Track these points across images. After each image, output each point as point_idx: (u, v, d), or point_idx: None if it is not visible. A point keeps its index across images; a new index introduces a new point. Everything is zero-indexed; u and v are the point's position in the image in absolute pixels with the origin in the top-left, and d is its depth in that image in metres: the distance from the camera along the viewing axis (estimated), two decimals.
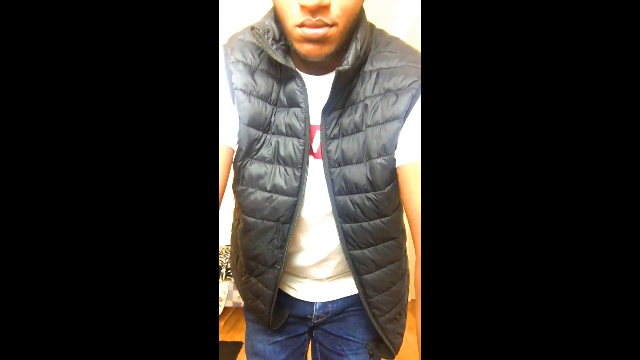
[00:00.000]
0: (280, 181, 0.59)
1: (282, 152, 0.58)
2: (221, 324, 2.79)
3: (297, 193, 0.60)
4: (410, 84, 0.57)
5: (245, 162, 0.60)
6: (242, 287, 0.65)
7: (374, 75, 0.59)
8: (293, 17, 0.50)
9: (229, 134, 0.58)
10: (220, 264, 2.67)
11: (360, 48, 0.56)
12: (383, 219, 0.62)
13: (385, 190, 0.59)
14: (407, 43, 0.65)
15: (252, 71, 0.58)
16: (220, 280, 2.63)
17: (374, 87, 0.58)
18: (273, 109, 0.58)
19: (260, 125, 0.58)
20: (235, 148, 0.59)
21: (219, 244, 3.46)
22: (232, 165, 0.61)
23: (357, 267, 0.64)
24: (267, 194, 0.60)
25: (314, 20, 0.49)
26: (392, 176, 0.59)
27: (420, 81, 0.59)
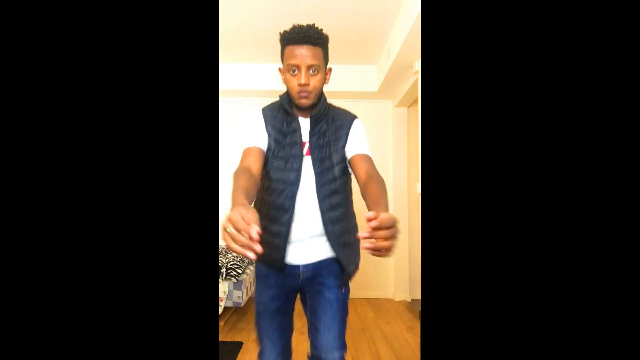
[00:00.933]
0: (289, 166, 1.18)
1: (290, 153, 1.19)
2: (221, 324, 2.79)
3: (298, 171, 1.17)
4: (346, 121, 1.25)
5: (272, 157, 1.19)
6: (264, 244, 0.94)
7: (331, 119, 1.24)
8: (295, 89, 1.16)
9: (262, 143, 1.19)
10: (220, 264, 2.67)
11: (322, 104, 1.22)
12: (340, 192, 1.21)
13: (340, 175, 1.21)
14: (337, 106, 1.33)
15: (274, 117, 1.23)
16: (220, 280, 2.63)
17: (330, 124, 1.23)
18: (285, 132, 1.21)
19: (279, 140, 1.20)
20: (266, 150, 1.20)
21: (219, 244, 3.46)
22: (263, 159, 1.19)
23: (324, 217, 1.18)
24: (284, 171, 1.18)
25: (303, 89, 1.15)
26: (344, 167, 1.22)
27: (351, 121, 1.27)
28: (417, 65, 2.76)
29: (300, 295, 1.30)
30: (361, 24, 2.75)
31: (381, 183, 1.08)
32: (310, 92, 1.14)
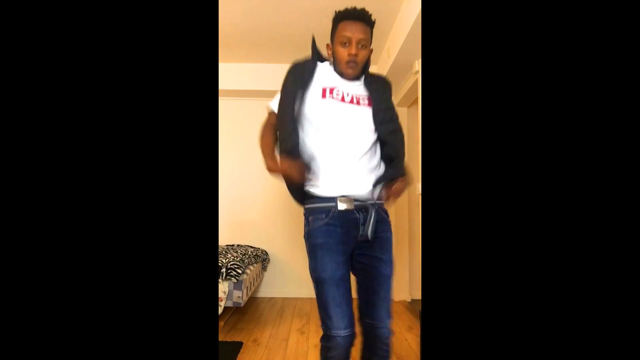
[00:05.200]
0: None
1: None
2: (221, 324, 2.79)
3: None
4: (386, 84, 1.41)
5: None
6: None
7: (371, 85, 1.36)
8: (345, 59, 1.27)
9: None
10: (220, 264, 2.67)
11: (364, 75, 1.35)
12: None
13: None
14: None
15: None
16: (220, 280, 2.63)
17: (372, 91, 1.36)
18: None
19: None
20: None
21: (219, 244, 3.46)
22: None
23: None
24: None
25: (352, 59, 1.27)
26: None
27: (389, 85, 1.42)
28: (417, 65, 2.76)
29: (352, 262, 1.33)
30: None
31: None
32: (357, 63, 1.27)
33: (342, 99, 1.28)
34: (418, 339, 2.61)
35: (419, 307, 3.38)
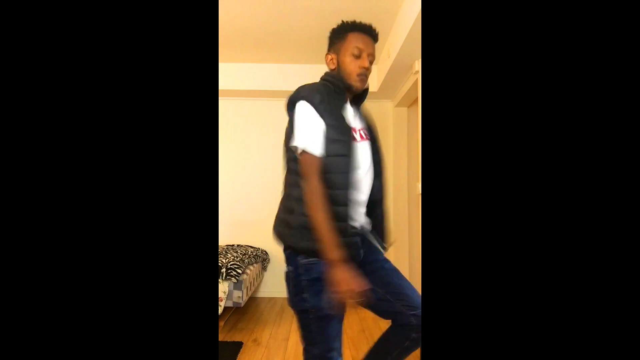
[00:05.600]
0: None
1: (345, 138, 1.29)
2: (221, 324, 2.79)
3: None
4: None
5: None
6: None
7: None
8: (356, 71, 1.23)
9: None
10: (220, 264, 2.67)
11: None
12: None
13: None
14: None
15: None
16: (220, 280, 2.63)
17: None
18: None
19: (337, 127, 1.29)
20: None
21: (219, 244, 3.46)
22: None
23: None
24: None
25: (363, 72, 1.24)
26: None
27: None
28: (417, 65, 2.76)
29: None
30: None
31: None
32: (366, 77, 1.25)
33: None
34: None
35: None
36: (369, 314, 3.23)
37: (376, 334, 2.72)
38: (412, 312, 1.20)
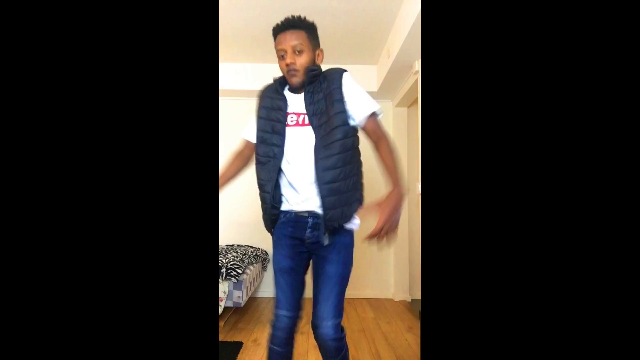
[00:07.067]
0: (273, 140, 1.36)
1: (275, 127, 1.36)
2: (221, 324, 2.79)
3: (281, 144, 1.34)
4: (336, 75, 1.29)
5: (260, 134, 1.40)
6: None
7: (325, 84, 1.29)
8: (284, 70, 1.28)
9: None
10: (220, 264, 2.67)
11: (314, 79, 1.30)
12: (341, 160, 1.31)
13: (341, 138, 1.29)
14: None
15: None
16: (220, 280, 2.63)
17: (325, 89, 1.29)
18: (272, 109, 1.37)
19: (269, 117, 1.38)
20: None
21: (219, 244, 3.46)
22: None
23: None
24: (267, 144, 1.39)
25: (290, 68, 1.27)
26: (348, 130, 1.29)
27: (340, 76, 1.30)
28: (417, 65, 2.76)
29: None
30: (361, 24, 2.74)
31: (388, 145, 1.22)
32: (297, 71, 1.28)
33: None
34: (418, 339, 2.61)
35: (419, 307, 3.38)
36: (369, 314, 3.23)
37: (376, 334, 2.71)
38: (317, 324, 1.28)
